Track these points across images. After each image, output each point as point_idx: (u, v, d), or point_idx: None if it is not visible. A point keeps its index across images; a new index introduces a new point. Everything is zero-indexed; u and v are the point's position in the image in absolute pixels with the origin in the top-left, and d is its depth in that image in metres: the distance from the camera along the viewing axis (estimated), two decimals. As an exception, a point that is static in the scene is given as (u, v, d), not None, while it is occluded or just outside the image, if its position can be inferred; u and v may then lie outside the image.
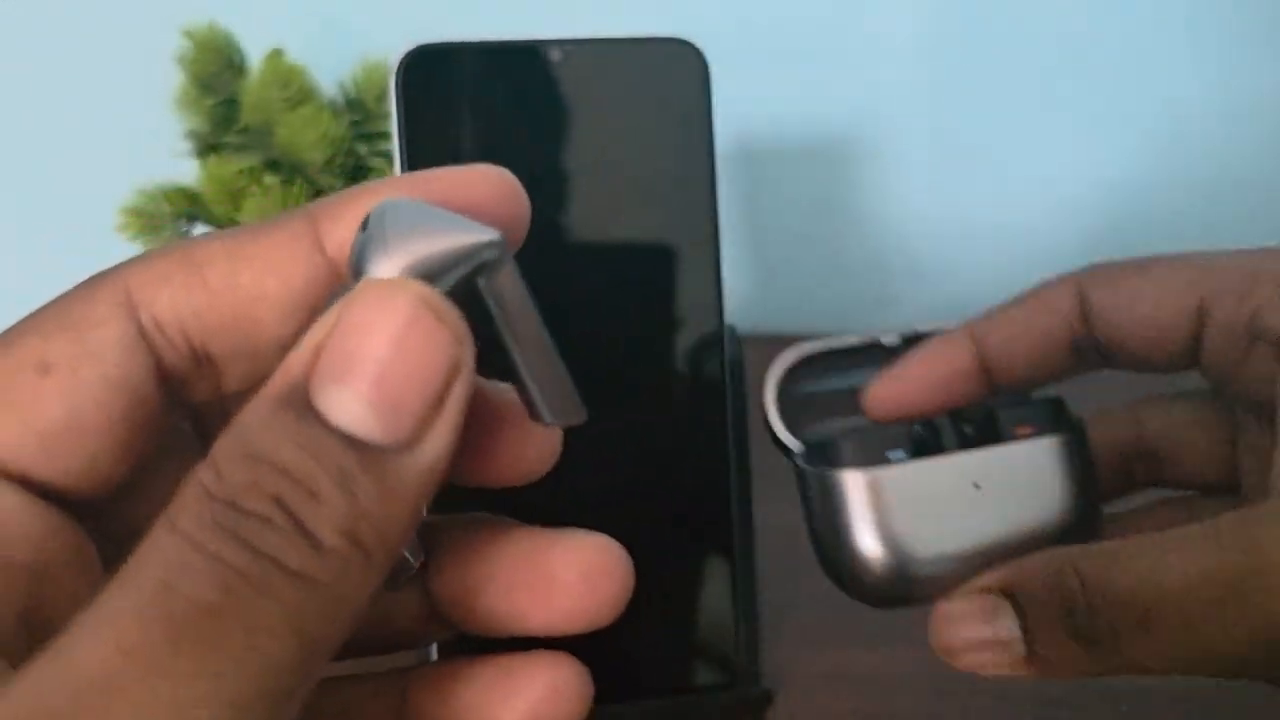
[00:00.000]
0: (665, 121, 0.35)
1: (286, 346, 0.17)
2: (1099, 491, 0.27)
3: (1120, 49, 0.54)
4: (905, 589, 0.26)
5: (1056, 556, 0.23)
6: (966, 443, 0.26)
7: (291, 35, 0.48)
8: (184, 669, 0.14)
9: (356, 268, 0.17)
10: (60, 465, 0.17)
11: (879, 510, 0.25)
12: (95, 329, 0.18)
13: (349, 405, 0.16)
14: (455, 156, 0.34)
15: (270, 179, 0.45)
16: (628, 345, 0.34)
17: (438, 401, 0.16)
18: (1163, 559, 0.21)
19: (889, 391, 0.28)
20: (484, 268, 0.18)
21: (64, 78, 0.61)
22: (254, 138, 0.46)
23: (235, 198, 0.45)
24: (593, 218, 0.35)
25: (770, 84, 0.56)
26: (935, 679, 0.33)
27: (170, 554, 0.15)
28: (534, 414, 0.19)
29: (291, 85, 0.45)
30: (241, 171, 0.45)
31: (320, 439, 0.15)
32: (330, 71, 0.48)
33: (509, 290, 0.18)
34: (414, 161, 0.34)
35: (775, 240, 0.61)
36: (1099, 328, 0.26)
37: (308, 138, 0.44)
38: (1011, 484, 0.25)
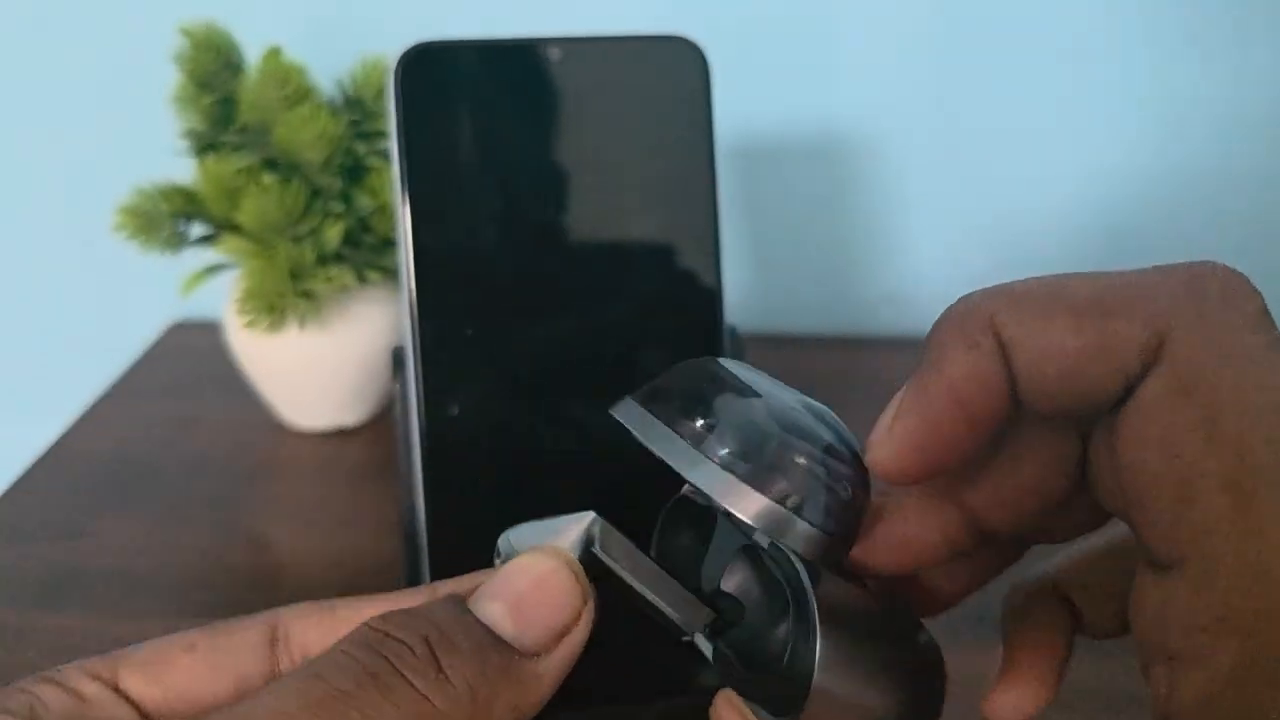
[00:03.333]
0: (666, 120, 0.35)
1: None
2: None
3: (1120, 48, 0.54)
4: None
5: None
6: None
7: (290, 34, 0.48)
8: None
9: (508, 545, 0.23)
10: (169, 710, 0.22)
11: None
12: (236, 633, 0.23)
13: (495, 610, 0.21)
14: (454, 156, 0.34)
15: (268, 178, 0.45)
16: (628, 344, 0.34)
17: (562, 631, 0.22)
18: None
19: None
20: (593, 540, 0.23)
21: (61, 76, 0.61)
22: (252, 137, 0.46)
23: (233, 197, 0.45)
24: (593, 217, 0.35)
25: (771, 83, 0.56)
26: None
27: (327, 657, 0.20)
28: (673, 632, 0.24)
29: (290, 84, 0.45)
30: (239, 170, 0.45)
31: (470, 623, 0.21)
32: (329, 70, 0.48)
33: (618, 546, 0.23)
34: (412, 160, 0.33)
35: (776, 239, 0.61)
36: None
37: (306, 137, 0.44)
38: None
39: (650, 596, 0.23)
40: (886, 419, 0.20)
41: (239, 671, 0.22)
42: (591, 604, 0.22)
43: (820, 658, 0.21)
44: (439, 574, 0.34)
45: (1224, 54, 0.54)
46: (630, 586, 0.23)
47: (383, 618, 0.21)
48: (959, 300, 0.20)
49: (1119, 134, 0.56)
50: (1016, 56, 0.55)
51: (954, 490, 0.22)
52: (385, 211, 0.47)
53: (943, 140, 0.57)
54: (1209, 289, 0.18)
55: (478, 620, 0.21)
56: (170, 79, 0.46)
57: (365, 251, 0.48)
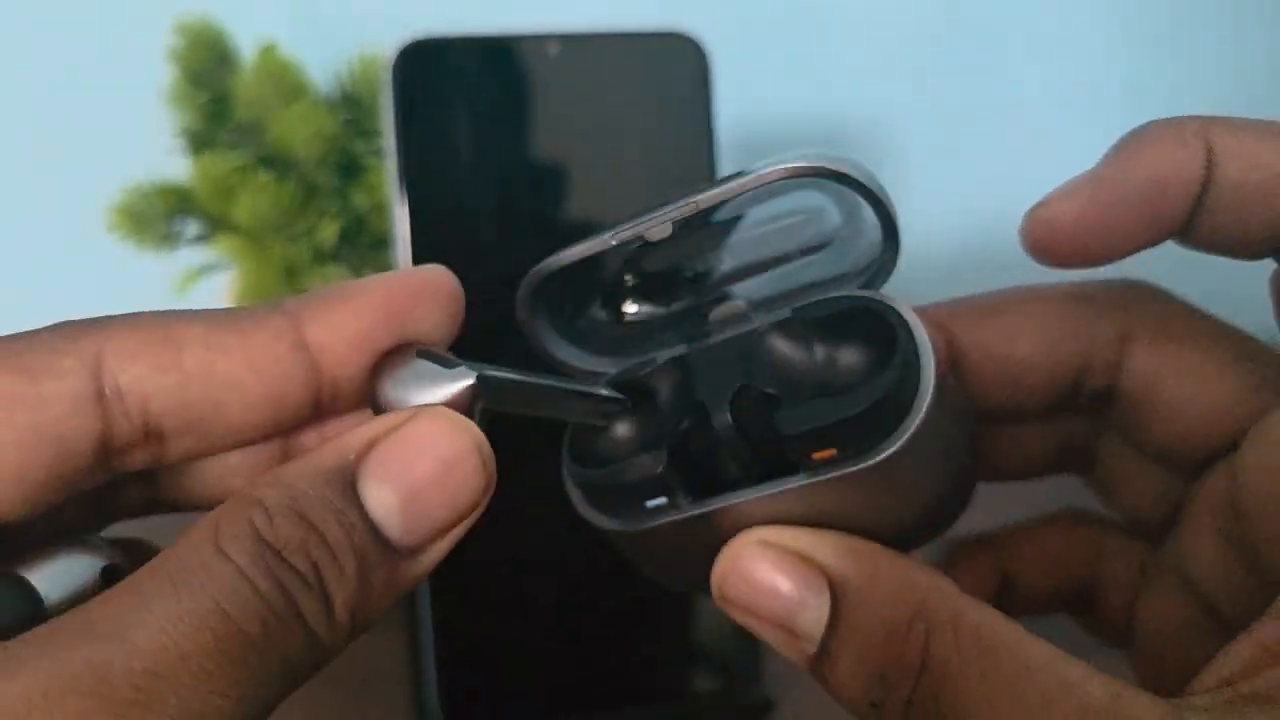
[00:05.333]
0: (666, 116, 0.34)
1: (240, 434, 0.19)
2: (965, 463, 0.21)
3: (1121, 46, 0.54)
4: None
5: (918, 604, 0.18)
6: (744, 471, 0.21)
7: (285, 30, 0.48)
8: (218, 685, 0.16)
9: (389, 394, 0.20)
10: None
11: (651, 566, 0.22)
12: (52, 380, 0.18)
13: (386, 502, 0.18)
14: (451, 152, 0.34)
15: (263, 176, 0.45)
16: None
17: (452, 527, 0.19)
18: (1049, 682, 0.17)
19: (1065, 217, 0.20)
20: (479, 396, 0.20)
21: (54, 73, 0.60)
22: (247, 134, 0.45)
23: (228, 195, 0.45)
24: (592, 213, 0.34)
25: (772, 77, 0.56)
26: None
27: (224, 580, 0.17)
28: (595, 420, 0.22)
29: (285, 81, 0.44)
30: (234, 169, 0.45)
31: (357, 525, 0.18)
32: (324, 66, 0.47)
33: (506, 390, 0.21)
34: (409, 157, 0.33)
35: (775, 238, 0.60)
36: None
37: (301, 134, 0.44)
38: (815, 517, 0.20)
39: (557, 411, 0.21)
40: (1072, 183, 0.21)
41: (51, 433, 0.18)
42: (490, 492, 0.20)
43: (932, 390, 0.19)
44: (437, 577, 0.33)
45: (1224, 53, 0.54)
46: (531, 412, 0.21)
47: (266, 516, 0.18)
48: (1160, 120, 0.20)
49: (1120, 129, 0.56)
50: (1018, 54, 0.55)
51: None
52: (382, 210, 0.47)
53: (943, 139, 0.57)
54: None
55: (364, 518, 0.18)
56: (164, 76, 0.46)
57: (361, 250, 0.47)
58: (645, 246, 0.22)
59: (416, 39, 0.33)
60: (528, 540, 0.34)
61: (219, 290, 0.49)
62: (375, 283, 0.20)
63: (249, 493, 0.18)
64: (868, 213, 0.22)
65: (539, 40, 0.34)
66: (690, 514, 0.20)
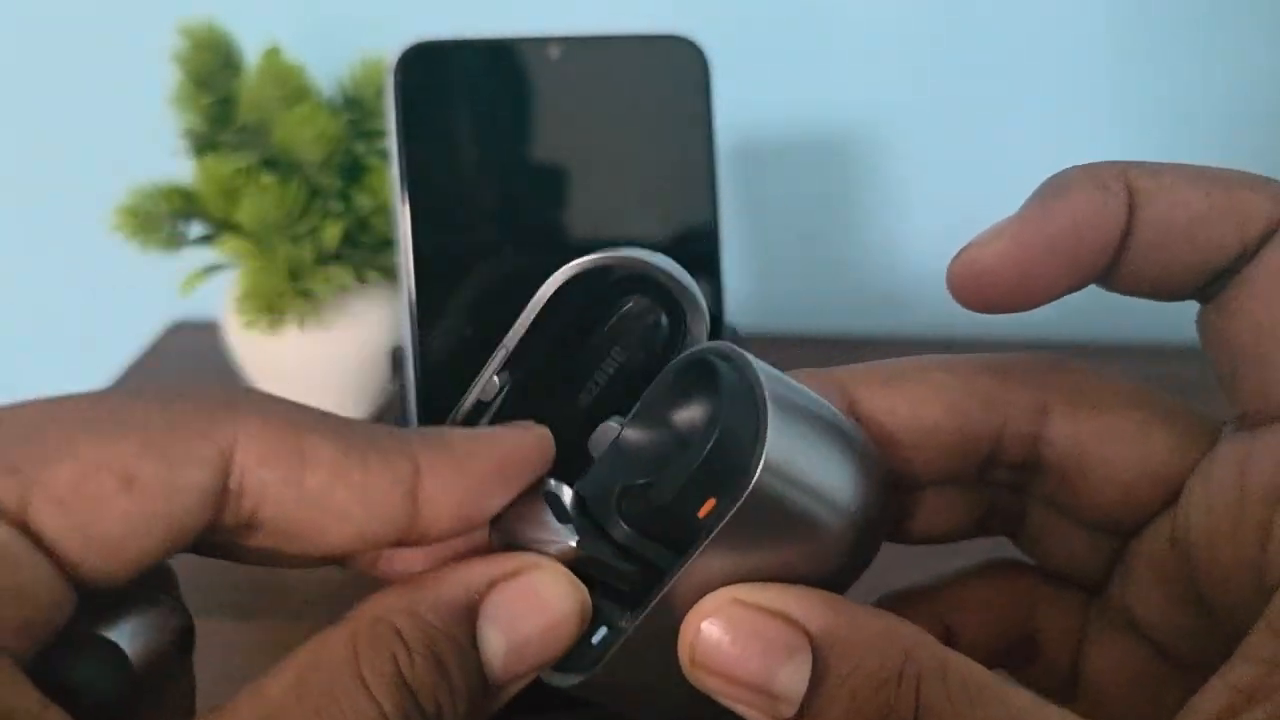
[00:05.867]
0: (666, 119, 0.35)
1: (323, 551, 0.20)
2: (862, 456, 0.20)
3: (1121, 47, 0.54)
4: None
5: (905, 655, 0.18)
6: (662, 564, 0.20)
7: (289, 33, 0.48)
8: None
9: (513, 527, 0.21)
10: (91, 563, 0.18)
11: (627, 701, 0.21)
12: (188, 468, 0.18)
13: (497, 647, 0.20)
14: (453, 155, 0.34)
15: (267, 178, 0.45)
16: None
17: (536, 671, 0.20)
18: None
19: (989, 261, 0.20)
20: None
21: (60, 76, 0.61)
22: (251, 136, 0.46)
23: (232, 196, 0.45)
24: (593, 216, 0.35)
25: (772, 82, 0.56)
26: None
27: (358, 705, 0.18)
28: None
29: (288, 83, 0.45)
30: (238, 170, 0.45)
31: (473, 667, 0.19)
32: (328, 69, 0.47)
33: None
34: (411, 159, 0.33)
35: (777, 239, 0.60)
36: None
37: (305, 136, 0.44)
38: (737, 573, 0.19)
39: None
40: (995, 227, 0.21)
41: (177, 523, 0.18)
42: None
43: (771, 431, 0.19)
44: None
45: (1224, 54, 0.54)
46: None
47: (413, 649, 0.19)
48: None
49: (1119, 133, 0.56)
50: (1018, 56, 0.55)
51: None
52: (384, 211, 0.47)
53: (943, 140, 0.57)
54: None
55: (478, 659, 0.20)
56: (169, 78, 0.46)
57: (364, 251, 0.48)
58: (484, 408, 0.24)
59: (418, 42, 0.33)
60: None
61: (219, 290, 0.50)
62: (491, 446, 0.20)
63: (386, 618, 0.19)
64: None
65: (539, 43, 0.34)
66: (637, 623, 0.20)
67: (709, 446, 0.19)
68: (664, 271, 0.23)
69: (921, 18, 0.55)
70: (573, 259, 0.34)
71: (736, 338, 0.36)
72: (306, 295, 0.46)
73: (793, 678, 0.18)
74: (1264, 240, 0.19)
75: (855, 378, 0.22)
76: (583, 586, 0.20)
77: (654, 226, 0.35)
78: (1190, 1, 0.53)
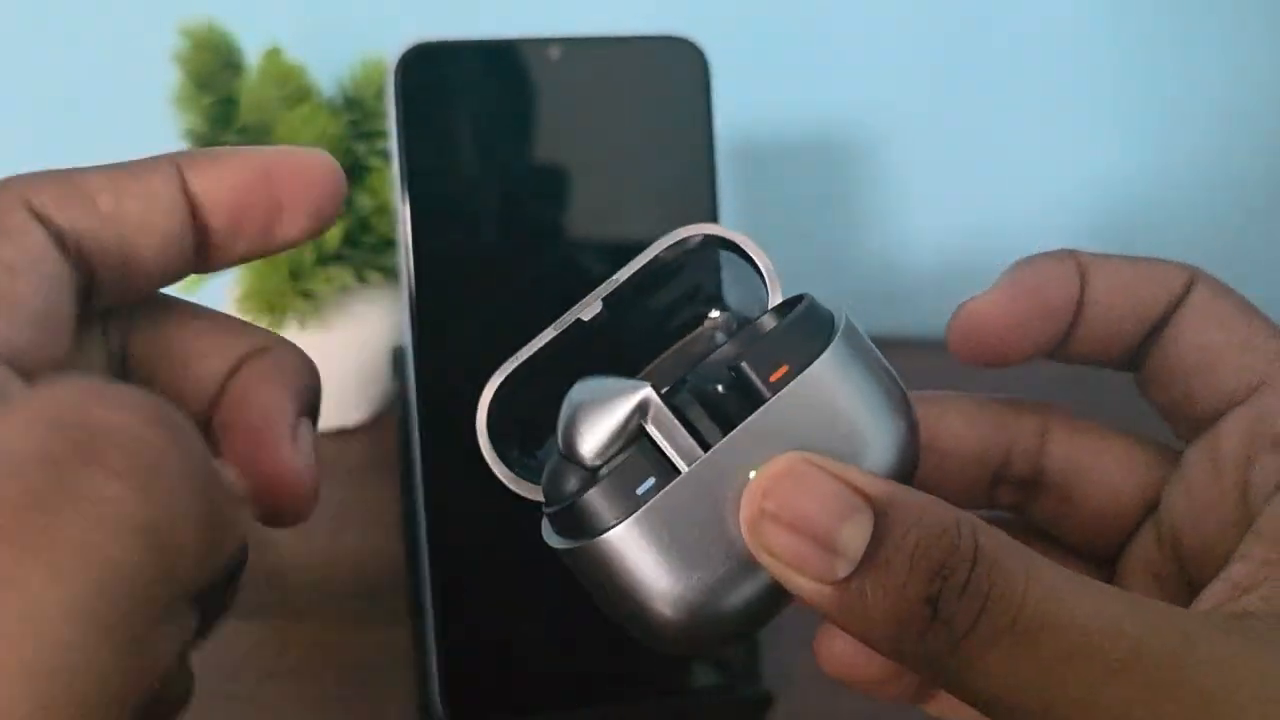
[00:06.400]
0: (665, 120, 0.35)
1: (153, 276, 0.21)
2: (905, 399, 0.22)
3: (1119, 48, 0.54)
4: (718, 630, 0.21)
5: (958, 513, 0.19)
6: (719, 421, 0.21)
7: (289, 33, 0.48)
8: None
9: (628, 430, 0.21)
10: (43, 353, 0.19)
11: (656, 564, 0.20)
12: (24, 236, 0.20)
13: (783, 541, 0.20)
14: (453, 155, 0.34)
15: (268, 178, 0.45)
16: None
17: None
18: (1095, 602, 0.19)
19: (976, 328, 0.24)
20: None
21: (61, 76, 0.61)
22: (252, 137, 0.46)
23: (233, 197, 0.45)
24: (593, 217, 0.35)
25: (771, 82, 0.56)
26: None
27: None
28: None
29: (289, 84, 0.45)
30: (239, 170, 0.45)
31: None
32: (328, 70, 0.48)
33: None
34: (412, 160, 0.33)
35: (776, 239, 0.60)
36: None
37: (306, 137, 0.44)
38: (795, 444, 0.20)
39: None
40: (982, 293, 0.24)
41: (48, 271, 0.20)
42: None
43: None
44: (440, 573, 0.34)
45: (1223, 54, 0.54)
46: None
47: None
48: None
49: (1119, 133, 0.56)
50: (1015, 56, 0.55)
51: None
52: (385, 211, 0.47)
53: (943, 140, 0.57)
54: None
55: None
56: (170, 79, 0.46)
57: (365, 251, 0.48)
58: (582, 329, 0.24)
59: (419, 43, 0.33)
60: (529, 535, 0.34)
61: (220, 290, 0.50)
62: (259, 151, 0.22)
63: None
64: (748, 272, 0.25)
65: (540, 44, 0.34)
66: (696, 464, 0.20)
67: (786, 321, 0.22)
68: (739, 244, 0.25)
69: (921, 18, 0.55)
70: (573, 258, 0.35)
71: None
72: (307, 295, 0.46)
73: (855, 534, 0.19)
74: (1185, 292, 0.24)
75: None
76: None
77: (654, 226, 0.35)
78: (1190, 1, 0.53)
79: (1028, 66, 0.55)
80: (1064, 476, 0.25)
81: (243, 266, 0.46)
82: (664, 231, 0.35)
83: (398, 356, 0.35)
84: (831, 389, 0.21)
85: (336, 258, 0.47)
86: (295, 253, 0.45)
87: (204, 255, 0.22)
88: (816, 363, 0.21)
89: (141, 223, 0.21)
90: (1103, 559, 0.26)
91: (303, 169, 0.22)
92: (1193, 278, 0.24)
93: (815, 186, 0.59)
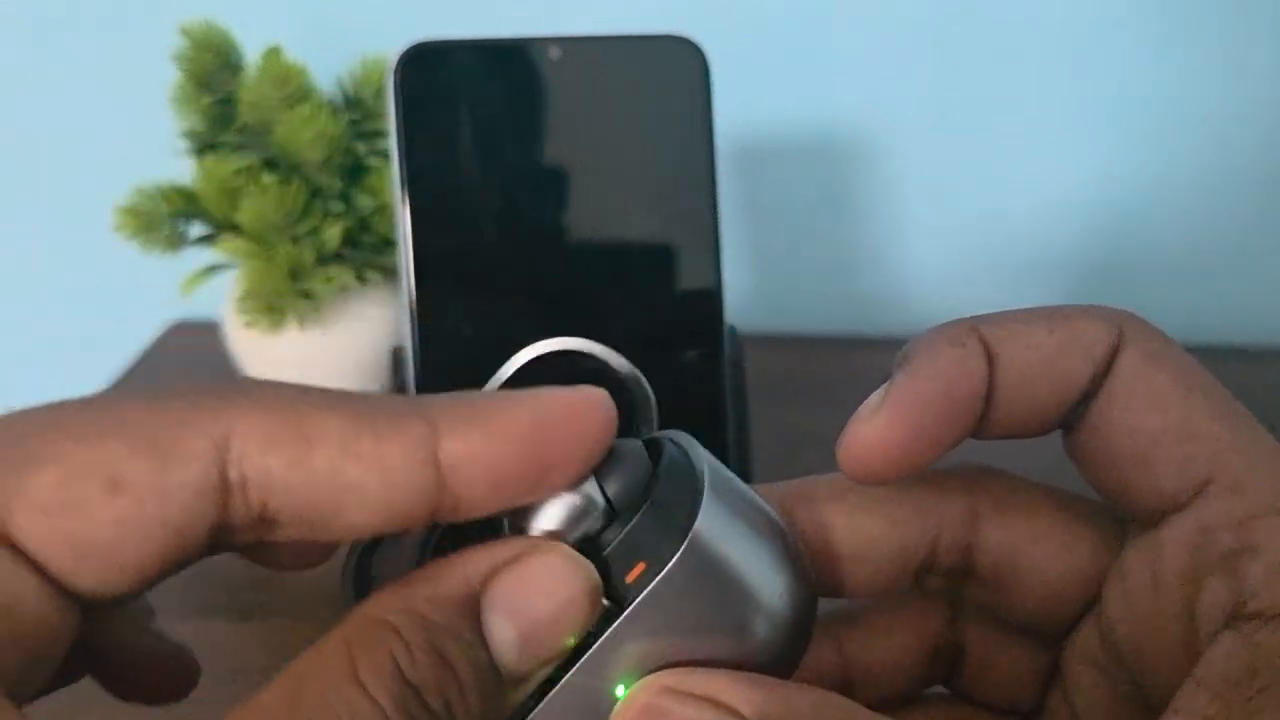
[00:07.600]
0: (665, 120, 0.35)
1: (350, 532, 0.19)
2: (786, 548, 0.20)
3: (1119, 48, 0.54)
4: None
5: (829, 703, 0.18)
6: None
7: (289, 33, 0.48)
8: None
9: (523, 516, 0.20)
10: (85, 576, 0.17)
11: None
12: (180, 466, 0.17)
13: (507, 636, 0.19)
14: (453, 155, 0.34)
15: (268, 178, 0.45)
16: (628, 345, 0.34)
17: (558, 657, 0.19)
18: None
19: (874, 442, 0.21)
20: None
21: (61, 76, 0.61)
22: (251, 136, 0.46)
23: (232, 197, 0.45)
24: (593, 217, 0.35)
25: (771, 82, 0.56)
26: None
27: (355, 706, 0.17)
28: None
29: (289, 84, 0.45)
30: (239, 170, 0.45)
31: (482, 660, 0.19)
32: (328, 69, 0.48)
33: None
34: (412, 160, 0.33)
35: (776, 239, 0.60)
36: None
37: (305, 136, 0.44)
38: (660, 652, 0.19)
39: None
40: (869, 404, 0.21)
41: (176, 525, 0.17)
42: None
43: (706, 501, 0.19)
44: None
45: (1223, 54, 0.54)
46: None
47: (407, 653, 0.18)
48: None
49: (1118, 133, 0.56)
50: (1015, 56, 0.55)
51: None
52: (385, 211, 0.47)
53: (942, 140, 0.57)
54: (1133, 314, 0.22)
55: (487, 651, 0.19)
56: (170, 79, 0.46)
57: (365, 251, 0.48)
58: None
59: (419, 43, 0.33)
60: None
61: (220, 290, 0.50)
62: (524, 406, 0.19)
63: (382, 617, 0.18)
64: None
65: (540, 44, 0.34)
66: (563, 682, 0.19)
67: (642, 511, 0.19)
68: (613, 365, 0.23)
69: (921, 18, 0.55)
70: (572, 260, 0.34)
71: (736, 337, 0.36)
72: (307, 295, 0.46)
73: None
74: (1110, 359, 0.21)
75: (791, 494, 0.22)
76: (589, 563, 0.19)
77: (654, 226, 0.35)
78: (1190, 1, 0.53)
79: (1028, 66, 0.55)
80: (996, 570, 0.23)
81: (243, 266, 0.46)
82: (664, 231, 0.35)
83: (397, 356, 0.35)
84: (699, 575, 0.19)
85: (336, 258, 0.47)
86: (295, 252, 0.45)
87: (446, 517, 0.19)
88: (676, 559, 0.19)
89: (358, 487, 0.18)
90: (1049, 638, 0.24)
91: (576, 420, 0.19)
92: (1119, 338, 0.21)
93: (815, 186, 0.59)
